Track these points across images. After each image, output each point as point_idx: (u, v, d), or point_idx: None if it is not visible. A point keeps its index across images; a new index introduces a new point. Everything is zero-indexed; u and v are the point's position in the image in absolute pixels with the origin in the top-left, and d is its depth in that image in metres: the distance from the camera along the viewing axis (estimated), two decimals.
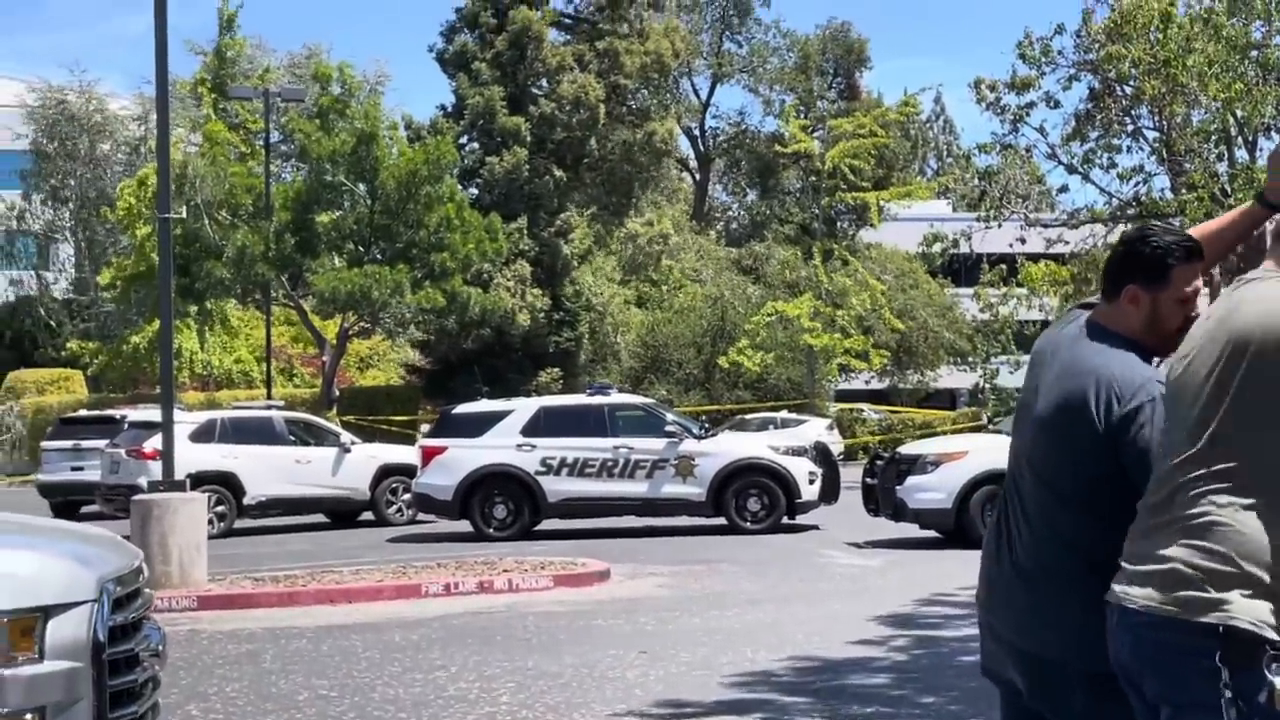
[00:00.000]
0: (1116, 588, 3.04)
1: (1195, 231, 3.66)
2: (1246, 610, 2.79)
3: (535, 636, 11.09)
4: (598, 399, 20.83)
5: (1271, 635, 2.79)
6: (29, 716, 3.81)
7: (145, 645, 4.39)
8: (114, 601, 4.15)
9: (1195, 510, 2.90)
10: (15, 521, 4.86)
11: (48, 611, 3.91)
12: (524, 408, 20.74)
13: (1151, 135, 28.52)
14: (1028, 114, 28.01)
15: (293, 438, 22.36)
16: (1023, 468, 3.55)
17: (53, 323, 48.43)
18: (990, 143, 28.68)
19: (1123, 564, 3.07)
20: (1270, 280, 3.01)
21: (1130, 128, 28.28)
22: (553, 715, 8.09)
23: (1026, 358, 3.96)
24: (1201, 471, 2.91)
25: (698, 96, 65.76)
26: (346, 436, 23.36)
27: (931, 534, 17.25)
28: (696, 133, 65.70)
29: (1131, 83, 26.98)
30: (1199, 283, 3.52)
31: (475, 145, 46.29)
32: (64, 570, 4.10)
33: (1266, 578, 2.81)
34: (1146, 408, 3.30)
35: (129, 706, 4.21)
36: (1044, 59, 27.54)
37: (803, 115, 51.73)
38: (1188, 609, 2.84)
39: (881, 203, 43.69)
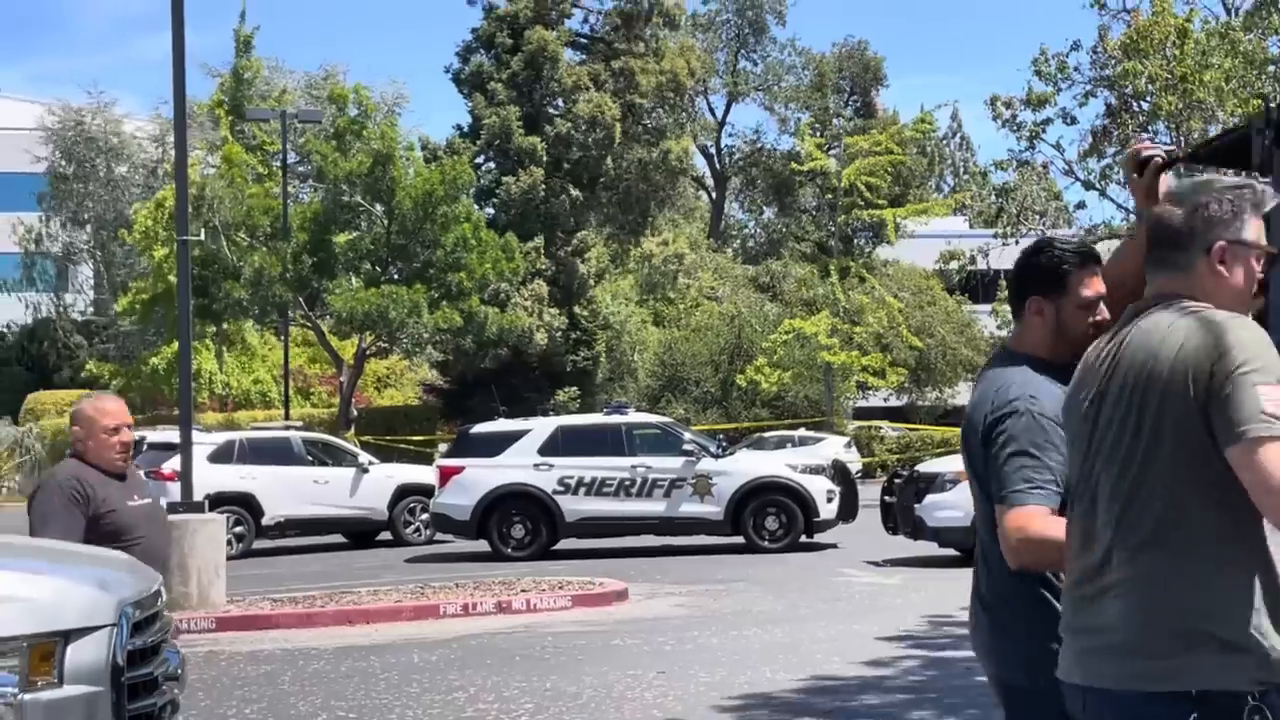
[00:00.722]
0: (1071, 667, 2.85)
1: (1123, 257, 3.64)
2: (1215, 669, 2.65)
3: (554, 657, 11.07)
4: (615, 418, 20.82)
5: (1246, 687, 2.66)
6: None
7: (164, 669, 4.39)
8: (133, 625, 4.15)
9: (1137, 571, 2.74)
10: (34, 546, 4.88)
11: (67, 636, 3.91)
12: (541, 427, 20.74)
13: None
14: (1044, 130, 28.02)
15: (311, 458, 22.40)
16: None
17: (71, 344, 48.58)
18: (1007, 159, 28.70)
19: (1066, 635, 2.88)
20: (1163, 311, 2.84)
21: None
22: None
23: None
24: (1136, 527, 2.75)
25: (713, 115, 65.86)
26: (364, 457, 23.38)
27: (950, 552, 17.19)
28: (712, 151, 65.76)
29: (1148, 98, 26.96)
30: (1100, 288, 3.54)
31: (491, 165, 46.40)
32: (83, 594, 4.11)
33: (1225, 631, 2.66)
34: (1008, 420, 3.35)
35: None
36: (1060, 75, 27.55)
37: (819, 133, 51.75)
38: (1155, 680, 2.68)
39: (898, 220, 43.67)
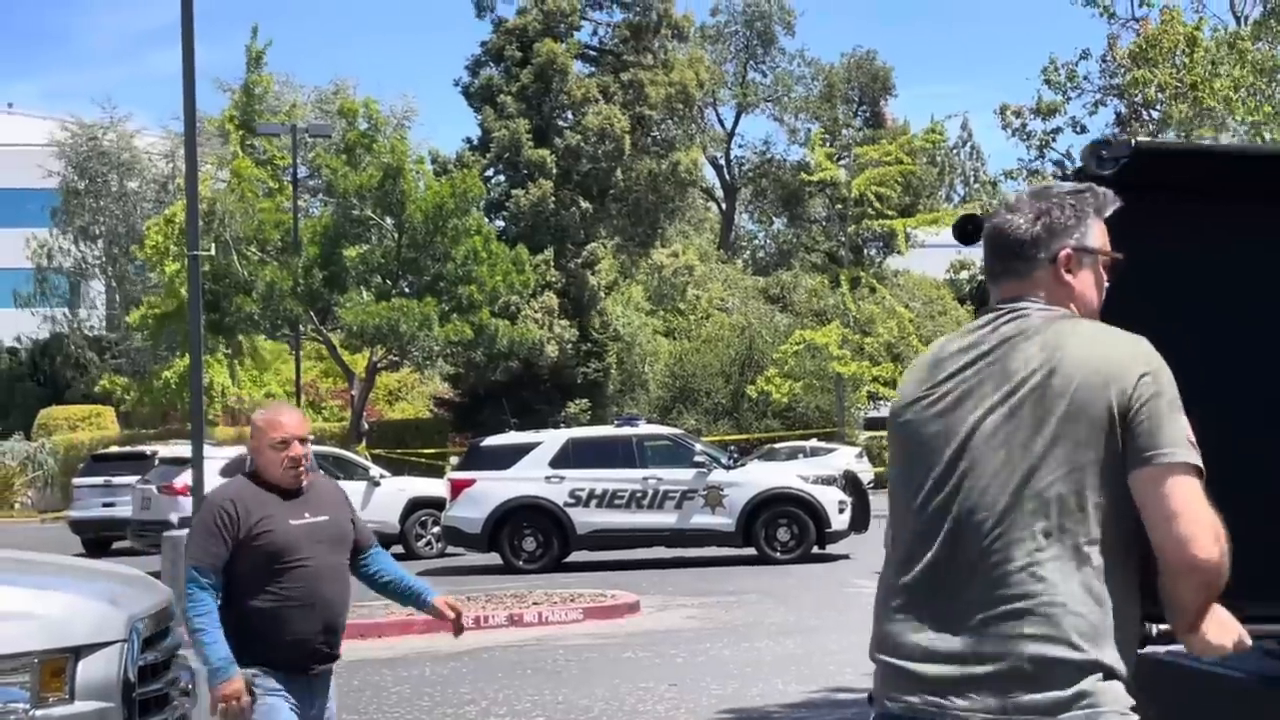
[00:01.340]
0: (940, 700, 2.54)
1: None
2: (1111, 697, 2.49)
3: (565, 669, 11.06)
4: (626, 430, 20.82)
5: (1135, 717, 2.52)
6: None
7: (175, 684, 4.40)
8: (144, 641, 4.16)
9: (1020, 591, 2.51)
10: (45, 561, 4.88)
11: (78, 652, 3.92)
12: (552, 439, 20.74)
13: None
14: (1054, 139, 28.01)
15: (322, 472, 22.38)
16: None
17: (83, 360, 48.70)
18: (1016, 169, 28.68)
19: (918, 668, 2.58)
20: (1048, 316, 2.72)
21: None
22: None
23: None
24: (1022, 543, 2.55)
25: (723, 126, 65.89)
26: (376, 470, 23.39)
27: None
28: (722, 162, 65.79)
29: (1158, 107, 26.94)
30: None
31: (501, 178, 46.45)
32: (94, 610, 4.11)
33: (1111, 659, 2.51)
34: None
35: None
36: (1070, 84, 27.56)
37: (828, 143, 51.75)
38: (1045, 710, 2.46)
39: (909, 230, 43.62)
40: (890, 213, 43.28)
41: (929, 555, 2.62)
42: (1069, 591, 2.51)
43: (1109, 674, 2.51)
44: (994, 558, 2.55)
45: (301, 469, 5.07)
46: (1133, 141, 3.39)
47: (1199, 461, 2.54)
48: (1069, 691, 2.47)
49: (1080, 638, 2.49)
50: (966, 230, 3.34)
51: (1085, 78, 27.54)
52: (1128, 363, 2.59)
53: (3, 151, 53.68)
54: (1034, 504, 2.55)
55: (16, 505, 39.86)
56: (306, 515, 4.97)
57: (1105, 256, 2.82)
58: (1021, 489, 2.56)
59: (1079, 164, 3.58)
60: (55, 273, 50.36)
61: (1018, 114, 27.99)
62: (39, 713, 3.79)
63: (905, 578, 2.65)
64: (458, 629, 5.38)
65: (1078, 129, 27.96)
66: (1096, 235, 2.80)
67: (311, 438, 5.30)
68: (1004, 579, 2.53)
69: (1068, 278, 2.75)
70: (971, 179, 77.62)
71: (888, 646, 2.66)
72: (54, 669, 3.84)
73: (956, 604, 2.57)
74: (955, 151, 77.11)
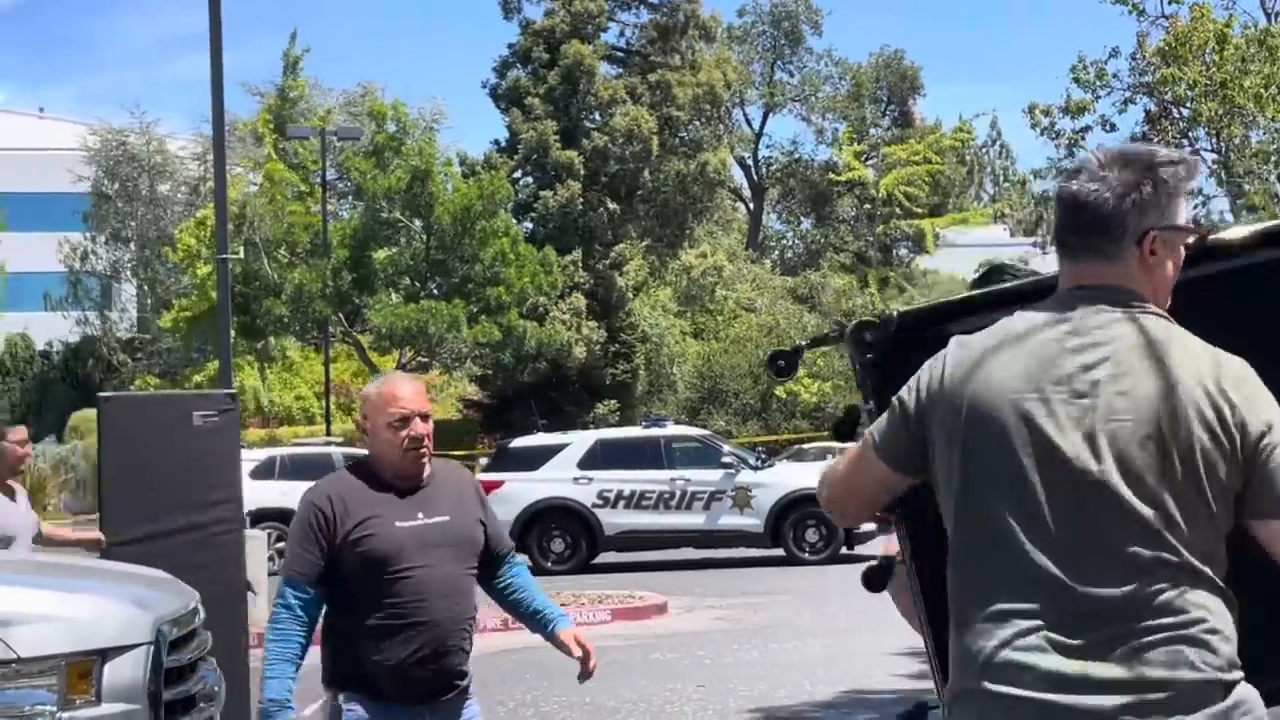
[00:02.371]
0: None
1: None
2: (1255, 697, 2.44)
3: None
4: (654, 431, 20.83)
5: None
6: None
7: (201, 687, 4.42)
8: (170, 643, 4.18)
9: (1171, 610, 2.40)
10: (72, 564, 4.91)
11: (105, 654, 3.94)
12: (580, 441, 20.77)
13: (1210, 157, 28.26)
14: (1083, 138, 27.81)
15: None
16: None
17: (116, 362, 48.99)
18: (1046, 168, 28.52)
19: (1065, 699, 2.38)
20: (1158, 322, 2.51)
21: (1188, 150, 28.04)
22: None
23: None
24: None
25: (750, 126, 65.79)
26: None
27: None
28: (750, 162, 65.70)
29: (1188, 105, 26.78)
30: None
31: (529, 179, 46.50)
32: (121, 613, 4.14)
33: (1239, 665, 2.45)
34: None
35: None
36: (1099, 82, 27.36)
37: (856, 143, 51.66)
38: None
39: (937, 229, 43.57)
40: (919, 211, 43.25)
41: (1063, 576, 2.40)
42: (1212, 608, 2.42)
43: (1243, 679, 2.45)
44: (1140, 580, 2.38)
45: (424, 452, 4.16)
46: (894, 315, 3.21)
47: None
48: (1228, 702, 2.39)
49: (1227, 648, 2.41)
50: (779, 365, 3.29)
51: (1114, 76, 27.33)
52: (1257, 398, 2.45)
53: (35, 156, 54.06)
54: (1168, 520, 2.40)
55: (49, 507, 40.11)
56: (420, 516, 4.10)
57: (1190, 238, 2.60)
58: (1158, 504, 2.40)
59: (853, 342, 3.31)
60: (87, 275, 50.70)
61: (1046, 112, 27.78)
62: (65, 715, 3.82)
63: (1027, 601, 2.41)
64: (585, 673, 4.52)
65: (1107, 127, 27.71)
66: (1183, 214, 2.55)
67: (432, 415, 4.32)
68: (1151, 599, 2.38)
69: (1151, 262, 2.51)
70: (1000, 178, 77.43)
71: (1008, 676, 2.40)
72: (80, 671, 3.87)
73: (1100, 628, 2.38)
74: (984, 150, 76.94)
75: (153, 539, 7.17)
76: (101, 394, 8.73)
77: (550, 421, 35.82)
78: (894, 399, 2.61)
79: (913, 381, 2.59)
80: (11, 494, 6.93)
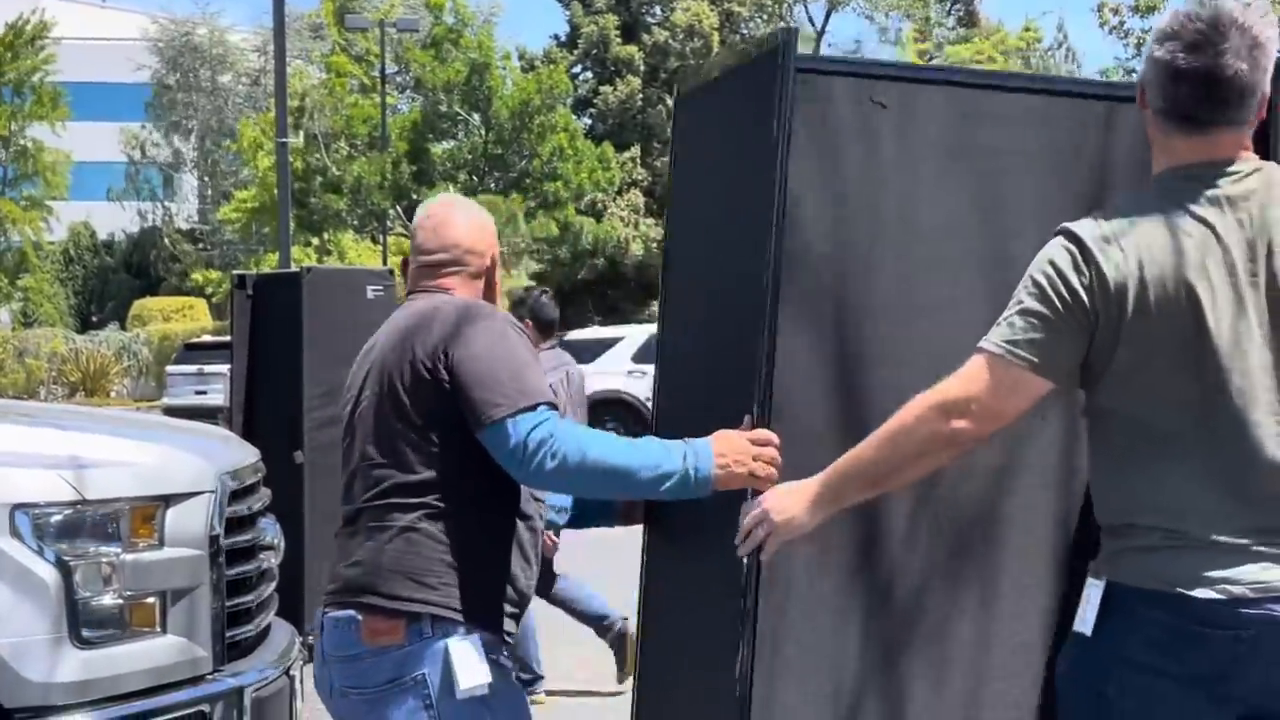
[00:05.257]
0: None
1: None
2: None
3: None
4: None
5: None
6: (150, 600, 3.95)
7: (261, 538, 4.52)
8: (231, 494, 4.27)
9: None
10: (139, 419, 5.02)
11: (168, 500, 4.03)
12: (635, 334, 20.83)
13: None
14: None
15: None
16: None
17: (177, 253, 49.46)
18: (1113, 67, 28.07)
19: None
20: None
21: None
22: None
23: None
24: None
25: (812, 24, 64.86)
26: None
27: None
28: None
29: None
30: None
31: (589, 75, 46.24)
32: (185, 461, 4.23)
33: None
34: None
35: (245, 595, 4.35)
36: None
37: (920, 42, 50.97)
38: None
39: None
40: None
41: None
42: None
43: None
44: None
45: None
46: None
47: None
48: None
49: None
50: None
51: None
52: None
53: (96, 46, 54.22)
54: None
55: (112, 393, 40.73)
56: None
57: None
58: None
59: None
60: (148, 166, 51.06)
61: (1116, 11, 27.35)
62: (130, 557, 3.92)
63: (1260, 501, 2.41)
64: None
65: None
66: None
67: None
68: None
69: (1253, 121, 2.49)
70: None
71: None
72: (145, 515, 3.96)
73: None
74: (1050, 53, 75.62)
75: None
76: (305, 266, 8.78)
77: (606, 317, 35.93)
78: (1043, 313, 2.46)
79: (1057, 290, 2.46)
80: None
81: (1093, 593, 2.47)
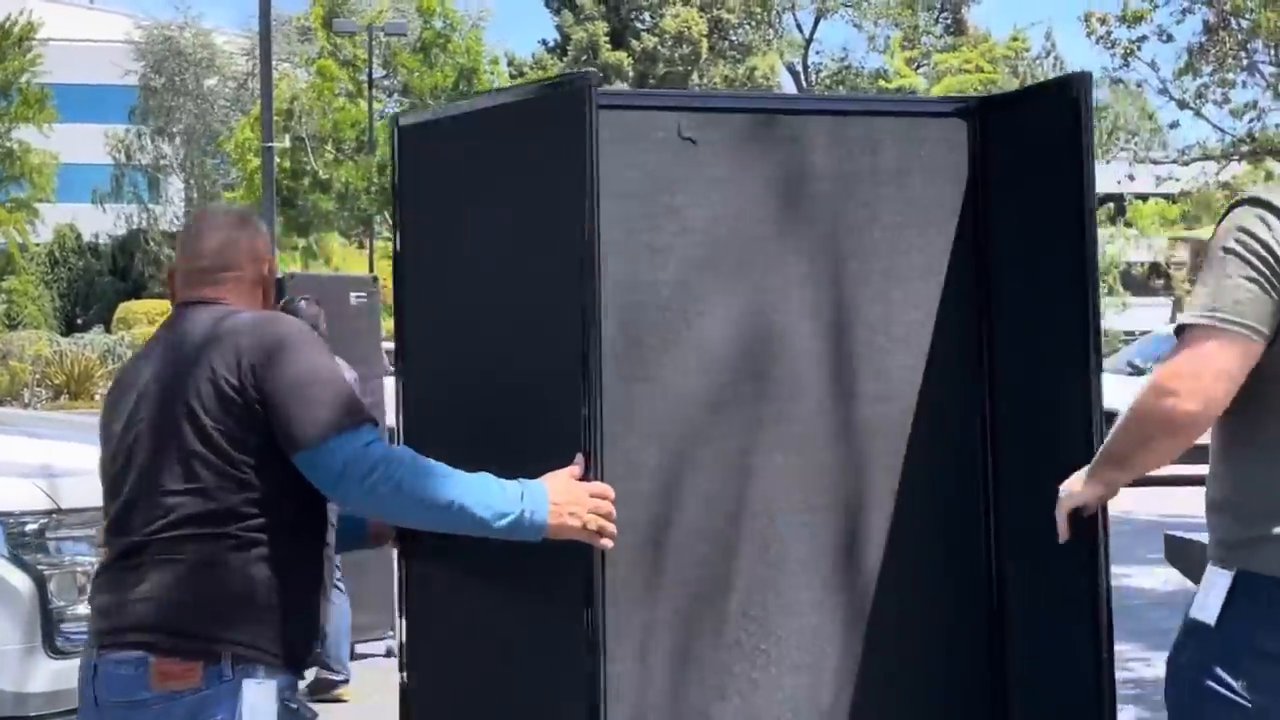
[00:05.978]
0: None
1: None
2: None
3: None
4: None
5: None
6: None
7: None
8: None
9: None
10: None
11: None
12: None
13: (1268, 70, 27.79)
14: (1139, 48, 27.42)
15: (392, 370, 22.70)
16: None
17: (162, 256, 49.35)
18: (1100, 77, 28.14)
19: None
20: None
21: (1245, 62, 27.58)
22: None
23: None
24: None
25: (801, 32, 65.00)
26: None
27: None
28: (799, 68, 65.02)
29: (1247, 15, 26.31)
30: None
31: None
32: None
33: None
34: None
35: None
36: None
37: (908, 49, 51.10)
38: None
39: None
40: None
41: None
42: None
43: None
44: None
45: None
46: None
47: None
48: None
49: None
50: None
51: None
52: None
53: (83, 48, 54.09)
54: None
55: (96, 396, 40.64)
56: None
57: None
58: None
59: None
60: (134, 169, 50.97)
61: (1103, 21, 27.41)
62: None
63: None
64: None
65: (1164, 37, 27.27)
66: None
67: None
68: None
69: None
70: None
71: None
72: None
73: None
74: (1038, 62, 75.87)
75: None
76: (288, 271, 8.78)
77: None
78: (1244, 276, 2.45)
79: (1254, 250, 2.46)
80: None
81: (1218, 580, 2.45)
